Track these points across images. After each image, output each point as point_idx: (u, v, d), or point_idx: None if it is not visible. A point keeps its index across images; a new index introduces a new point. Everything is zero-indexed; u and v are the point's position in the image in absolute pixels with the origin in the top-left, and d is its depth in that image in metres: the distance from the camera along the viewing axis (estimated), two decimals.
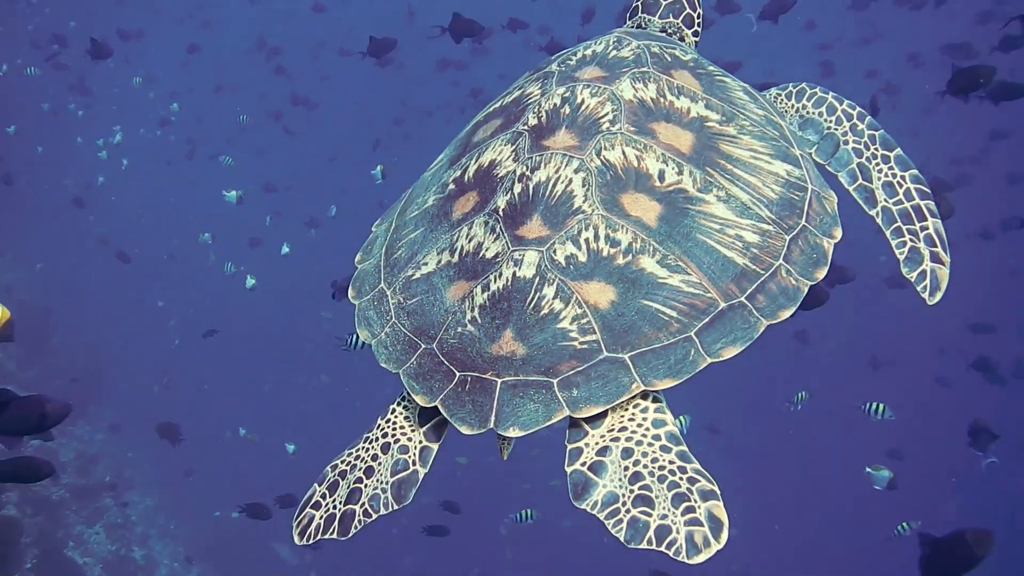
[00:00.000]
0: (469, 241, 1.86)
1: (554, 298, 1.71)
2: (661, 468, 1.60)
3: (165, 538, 13.39)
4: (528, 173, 1.86)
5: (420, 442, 1.85)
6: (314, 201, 21.24)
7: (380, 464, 1.84)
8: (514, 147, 1.96)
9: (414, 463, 1.82)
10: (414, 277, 1.93)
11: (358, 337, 5.81)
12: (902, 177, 2.13)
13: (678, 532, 1.48)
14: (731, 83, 2.18)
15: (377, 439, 1.89)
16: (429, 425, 1.86)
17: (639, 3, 2.52)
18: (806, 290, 1.81)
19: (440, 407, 1.73)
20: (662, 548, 1.48)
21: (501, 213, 1.84)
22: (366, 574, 14.80)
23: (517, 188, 1.85)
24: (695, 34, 2.51)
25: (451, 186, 2.05)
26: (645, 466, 1.60)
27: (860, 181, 2.16)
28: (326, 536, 1.79)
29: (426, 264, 1.93)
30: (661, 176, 1.84)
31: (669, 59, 2.12)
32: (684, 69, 2.11)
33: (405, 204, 2.25)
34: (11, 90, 19.63)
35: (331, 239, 19.24)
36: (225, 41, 26.26)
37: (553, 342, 1.68)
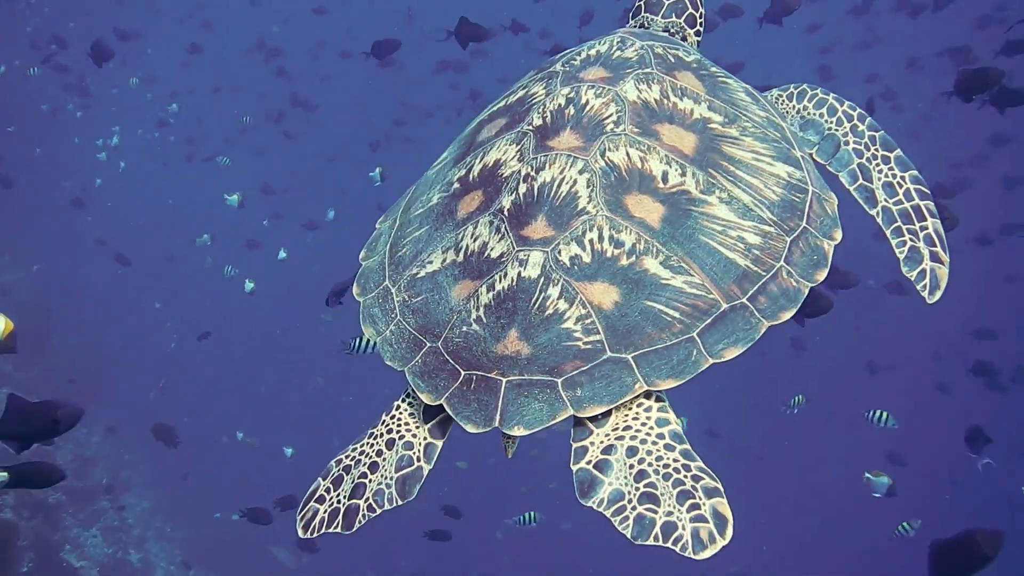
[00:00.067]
0: (474, 240, 1.88)
1: (559, 298, 1.73)
2: (666, 466, 1.62)
3: (162, 541, 13.34)
4: (533, 173, 1.88)
5: (425, 439, 1.86)
6: (312, 203, 21.24)
7: (384, 460, 1.85)
8: (519, 147, 1.97)
9: (418, 459, 1.84)
10: (419, 275, 1.95)
11: (362, 340, 5.77)
12: (902, 178, 2.15)
13: (684, 528, 1.51)
14: (733, 84, 2.20)
15: (381, 435, 1.91)
16: (434, 422, 1.88)
17: (642, 2, 2.53)
18: (807, 291, 1.83)
19: (445, 405, 1.75)
20: (668, 544, 1.50)
21: (506, 213, 1.85)
22: None
23: (522, 188, 1.87)
24: (697, 34, 2.52)
25: (456, 185, 2.06)
26: (650, 464, 1.63)
27: (860, 181, 2.18)
28: (330, 530, 1.80)
29: (431, 262, 1.94)
30: (664, 178, 1.86)
31: (672, 60, 2.13)
32: (687, 70, 2.13)
33: (409, 201, 2.25)
34: (10, 91, 19.62)
35: (330, 241, 19.24)
36: (225, 42, 26.27)
37: (557, 342, 1.71)
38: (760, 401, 14.91)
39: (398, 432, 1.89)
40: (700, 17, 2.51)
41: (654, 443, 1.66)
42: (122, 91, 24.72)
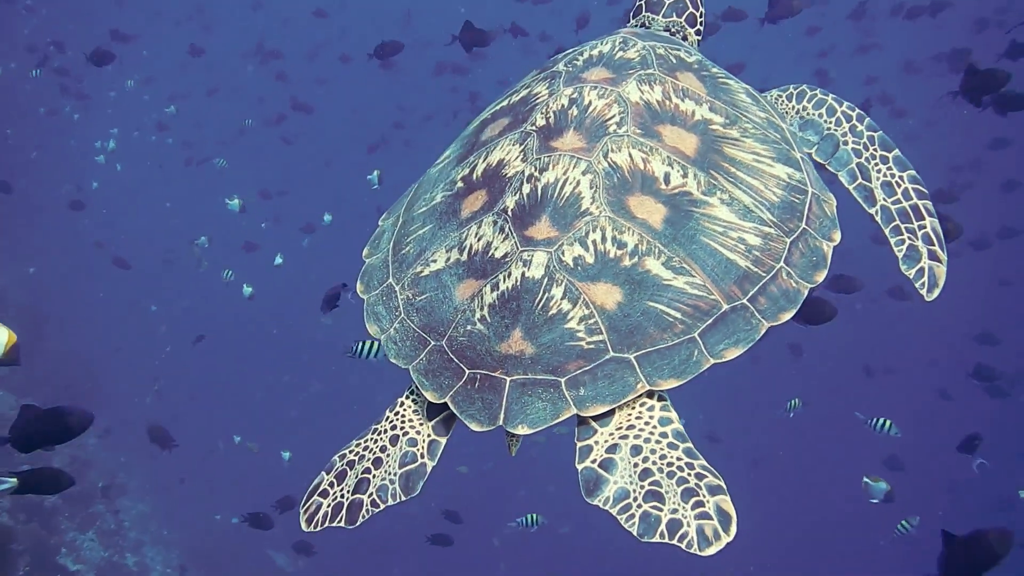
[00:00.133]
0: (478, 240, 1.89)
1: (562, 299, 1.74)
2: (669, 464, 1.64)
3: (158, 544, 13.28)
4: (537, 174, 1.89)
5: (428, 436, 1.88)
6: (310, 206, 21.21)
7: (388, 456, 1.86)
8: (522, 147, 1.98)
9: (422, 456, 1.85)
10: (423, 274, 1.96)
11: (365, 345, 5.75)
12: (900, 177, 2.18)
13: (689, 526, 1.53)
14: (734, 85, 2.21)
15: (386, 431, 1.92)
16: (437, 419, 1.89)
17: (643, 2, 2.55)
18: (806, 292, 1.84)
19: (450, 404, 1.77)
20: (674, 542, 1.52)
21: (510, 213, 1.87)
22: None
23: (526, 189, 1.88)
24: (698, 33, 2.54)
25: (459, 184, 2.07)
26: (654, 463, 1.64)
27: (859, 180, 2.21)
28: (333, 524, 1.81)
29: (435, 261, 1.95)
30: (666, 179, 1.87)
31: (674, 61, 2.15)
32: (689, 71, 2.14)
33: (412, 199, 2.26)
34: (6, 94, 19.58)
35: (329, 243, 19.22)
36: (223, 45, 26.23)
37: (561, 342, 1.72)
38: (759, 405, 14.91)
39: (402, 428, 1.90)
40: (700, 16, 2.53)
41: (657, 442, 1.68)
42: (119, 94, 24.70)
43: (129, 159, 23.63)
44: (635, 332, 1.71)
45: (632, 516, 1.56)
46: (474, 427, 1.72)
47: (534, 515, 7.95)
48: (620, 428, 1.71)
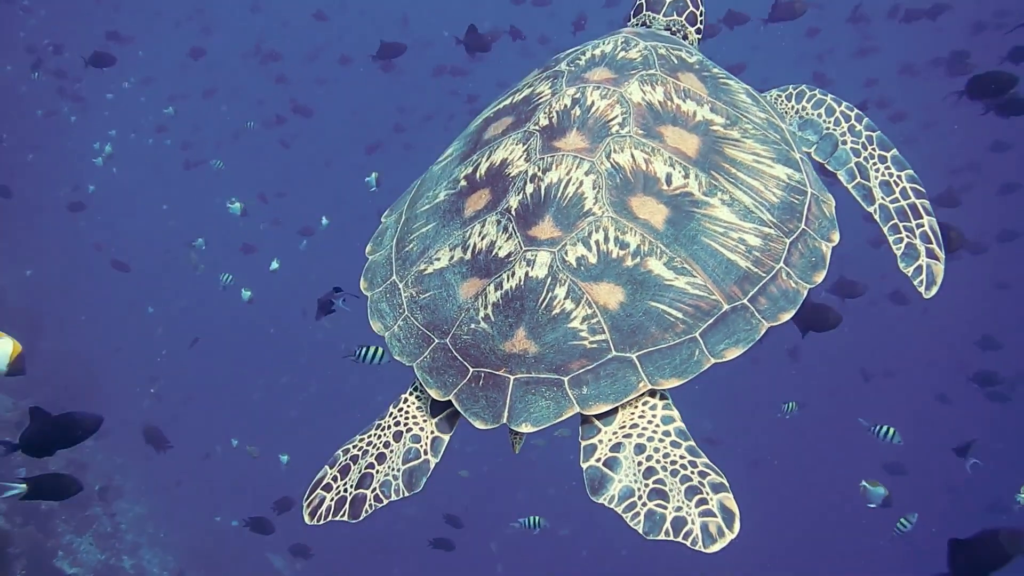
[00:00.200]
0: (482, 239, 1.90)
1: (565, 298, 1.76)
2: (673, 463, 1.66)
3: (155, 547, 13.23)
4: (540, 174, 1.90)
5: (432, 432, 1.89)
6: (309, 207, 21.18)
7: (392, 451, 1.88)
8: (526, 147, 1.99)
9: (425, 452, 1.86)
10: (427, 272, 1.97)
11: (368, 350, 5.74)
12: (898, 176, 2.20)
13: (693, 523, 1.55)
14: (735, 86, 2.22)
15: (389, 427, 1.93)
16: (441, 417, 1.90)
17: (643, 1, 2.57)
18: (806, 293, 1.86)
19: (454, 402, 1.78)
20: (679, 539, 1.54)
21: (513, 213, 1.88)
22: None
23: (529, 188, 1.89)
24: (698, 31, 2.56)
25: (462, 182, 2.08)
26: (658, 461, 1.66)
27: (858, 179, 2.23)
28: (336, 518, 1.82)
29: (438, 259, 1.96)
30: (668, 180, 1.88)
31: (676, 61, 2.16)
32: (690, 72, 2.16)
33: (415, 197, 2.27)
34: (4, 95, 19.55)
35: (328, 245, 19.20)
36: (223, 46, 26.21)
37: (564, 341, 1.73)
38: (759, 405, 14.90)
39: (405, 425, 1.92)
40: (701, 15, 2.55)
41: (660, 440, 1.69)
42: (117, 95, 24.69)
43: (127, 161, 23.59)
44: (637, 332, 1.73)
45: (637, 514, 1.58)
46: (478, 425, 1.73)
47: (536, 517, 7.93)
48: (624, 427, 1.72)
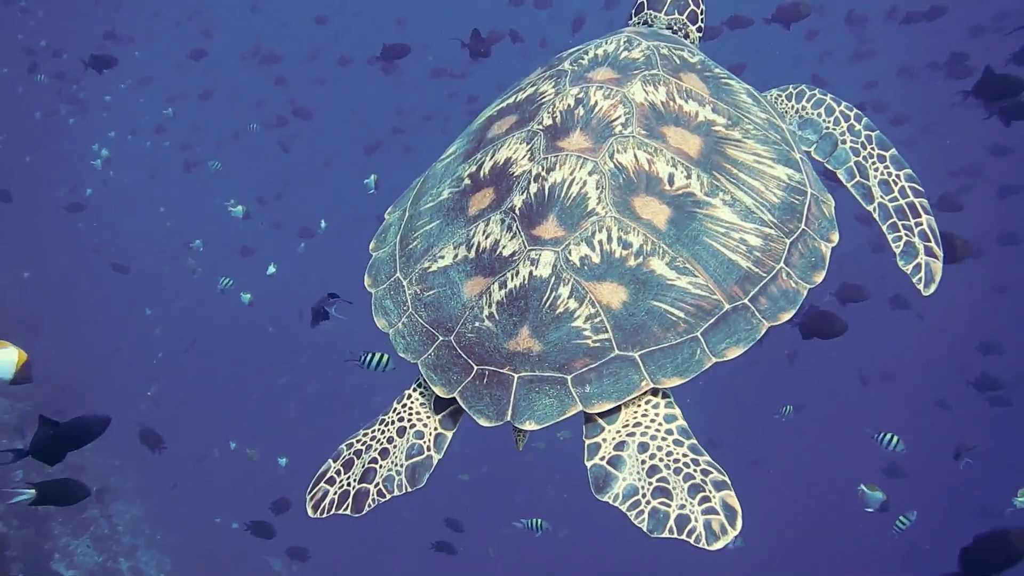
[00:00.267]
0: (486, 238, 1.92)
1: (569, 297, 1.77)
2: (676, 461, 1.68)
3: (152, 549, 13.18)
4: (544, 173, 1.91)
5: (435, 429, 1.91)
6: (309, 207, 21.15)
7: (395, 447, 1.89)
8: (529, 146, 2.01)
9: (428, 449, 1.88)
10: (431, 269, 1.98)
11: (373, 357, 5.73)
12: (897, 176, 2.22)
13: (696, 521, 1.57)
14: (736, 86, 2.24)
15: (393, 422, 1.95)
16: (444, 413, 1.92)
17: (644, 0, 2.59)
18: (806, 293, 1.88)
19: (459, 399, 1.80)
20: (683, 536, 1.56)
21: (517, 212, 1.89)
22: None
23: (533, 188, 1.90)
24: (699, 30, 2.58)
25: (466, 181, 2.09)
26: (661, 459, 1.68)
27: (857, 178, 2.25)
28: (339, 512, 1.83)
29: (442, 257, 1.98)
30: (671, 180, 1.90)
31: (678, 61, 2.18)
32: (692, 72, 2.17)
33: (418, 194, 2.28)
34: (2, 97, 19.52)
35: (326, 246, 19.18)
36: (222, 48, 26.21)
37: (567, 340, 1.75)
38: (760, 406, 14.89)
39: (409, 421, 1.93)
40: (702, 13, 2.57)
41: (663, 439, 1.71)
42: (115, 97, 24.65)
43: (125, 163, 23.56)
44: (640, 331, 1.74)
45: (642, 512, 1.60)
46: (483, 422, 1.75)
47: (538, 520, 7.94)
48: (627, 425, 1.74)
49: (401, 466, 1.85)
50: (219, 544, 13.63)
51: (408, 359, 1.92)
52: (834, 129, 2.29)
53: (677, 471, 1.65)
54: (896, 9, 14.12)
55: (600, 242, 1.81)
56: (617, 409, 1.76)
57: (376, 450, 1.90)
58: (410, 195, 2.33)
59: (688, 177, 1.90)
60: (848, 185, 2.25)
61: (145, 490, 14.21)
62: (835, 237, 1.99)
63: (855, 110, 2.31)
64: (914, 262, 2.12)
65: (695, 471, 1.65)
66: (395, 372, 5.50)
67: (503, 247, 1.87)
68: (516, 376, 1.74)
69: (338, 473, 1.90)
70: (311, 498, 1.87)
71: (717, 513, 1.57)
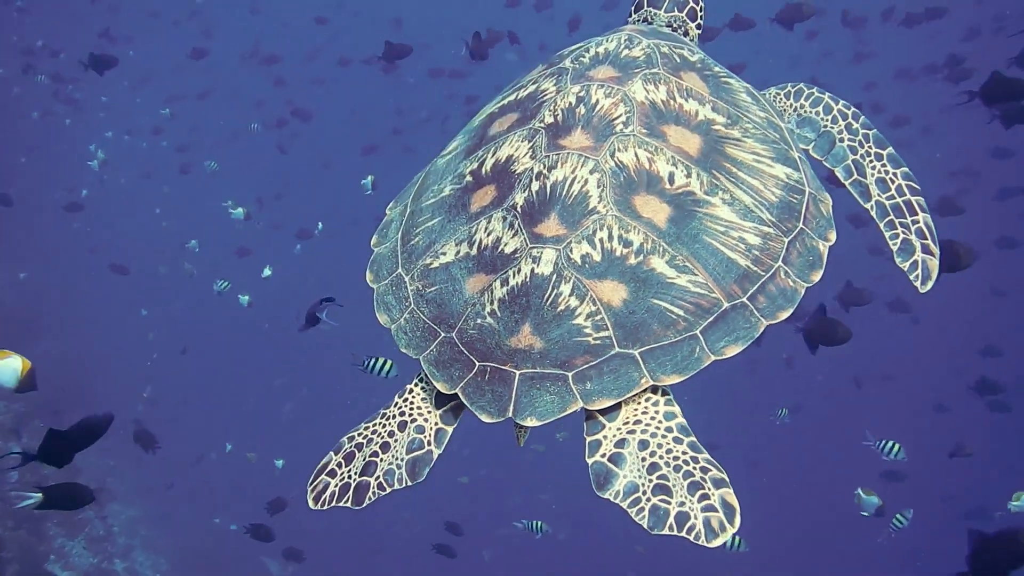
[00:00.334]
0: (488, 235, 1.93)
1: (570, 295, 1.78)
2: (676, 458, 1.69)
3: (148, 550, 13.13)
4: (545, 171, 1.93)
5: (436, 424, 1.92)
6: (308, 207, 21.12)
7: (396, 441, 1.91)
8: (531, 144, 2.02)
9: (429, 443, 1.89)
10: (432, 266, 2.00)
11: (377, 362, 5.74)
12: (894, 174, 2.24)
13: (696, 518, 1.58)
14: (735, 85, 2.26)
15: (394, 416, 1.96)
16: (445, 409, 1.94)
17: None
18: (803, 291, 1.89)
19: (461, 395, 1.81)
20: (683, 533, 1.57)
21: (519, 210, 1.90)
22: None
23: (535, 186, 1.92)
24: (699, 27, 2.60)
25: (468, 178, 2.10)
26: (661, 457, 1.69)
27: (855, 176, 2.27)
28: (340, 504, 1.85)
29: (444, 254, 1.99)
30: (671, 179, 1.91)
31: (678, 60, 2.20)
32: (692, 71, 2.19)
33: (419, 190, 2.29)
34: None
35: (323, 247, 19.14)
36: (221, 48, 26.18)
37: (569, 337, 1.76)
38: (759, 406, 14.91)
39: (410, 415, 1.95)
40: (701, 11, 2.59)
41: (663, 436, 1.73)
42: (112, 98, 24.61)
43: (123, 163, 23.51)
44: (640, 329, 1.76)
45: (642, 510, 1.61)
46: (484, 418, 1.76)
47: (539, 522, 7.95)
48: (627, 423, 1.75)
49: (402, 460, 1.86)
50: (215, 545, 13.59)
51: (410, 355, 1.93)
52: (832, 127, 2.31)
53: (677, 468, 1.67)
54: (893, 10, 14.13)
55: (601, 240, 1.82)
56: (618, 406, 1.77)
57: (377, 444, 1.91)
58: (411, 191, 2.34)
59: (688, 176, 1.91)
60: (846, 183, 2.27)
61: (141, 491, 14.16)
62: (832, 236, 2.01)
63: (853, 108, 2.33)
64: (911, 259, 2.14)
65: (694, 469, 1.67)
66: (396, 377, 5.50)
67: (505, 244, 1.88)
68: (518, 373, 1.75)
69: (339, 465, 1.91)
70: (312, 490, 1.89)
71: (716, 511, 1.58)
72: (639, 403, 1.78)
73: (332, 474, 1.90)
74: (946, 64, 11.88)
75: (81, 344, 16.76)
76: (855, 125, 2.30)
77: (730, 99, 2.16)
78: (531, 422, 1.72)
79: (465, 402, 1.80)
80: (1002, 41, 8.99)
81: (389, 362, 5.56)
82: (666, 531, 1.58)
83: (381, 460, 1.88)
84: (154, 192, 25.58)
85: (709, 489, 1.62)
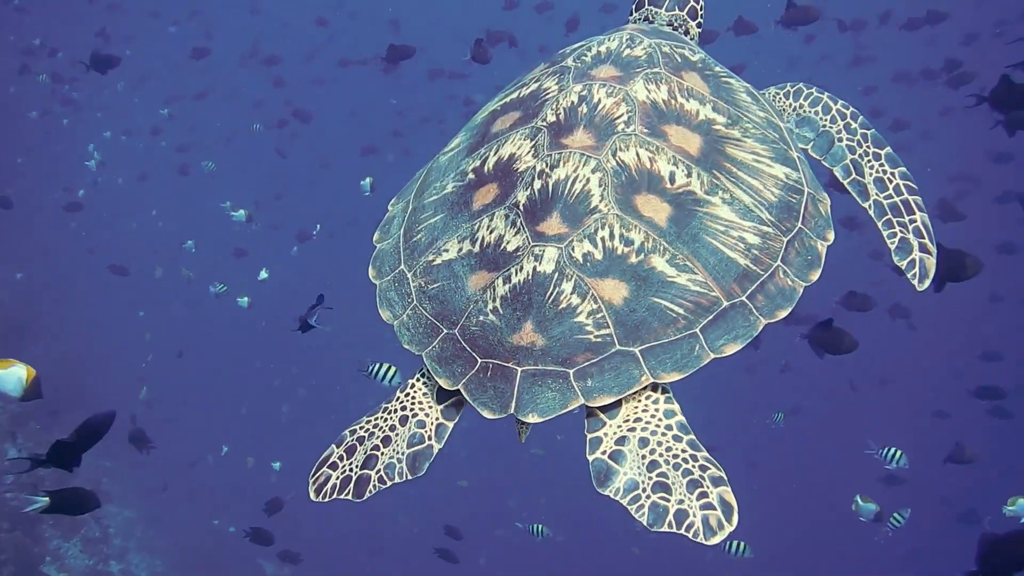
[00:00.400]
0: (490, 233, 1.94)
1: (572, 293, 1.80)
2: (675, 456, 1.71)
3: (144, 552, 13.08)
4: (547, 170, 1.94)
5: (437, 419, 1.94)
6: (307, 207, 21.09)
7: (397, 435, 1.93)
8: (533, 143, 2.03)
9: (430, 438, 1.91)
10: (435, 263, 2.01)
11: (381, 368, 5.75)
12: (892, 174, 2.26)
13: (695, 516, 1.60)
14: (736, 84, 2.28)
15: (396, 410, 1.98)
16: (446, 404, 1.95)
17: None
18: (801, 291, 1.91)
19: (463, 391, 1.82)
20: (681, 531, 1.59)
21: (521, 208, 1.92)
22: None
23: (537, 184, 1.93)
24: (699, 25, 2.62)
25: (470, 175, 2.11)
26: (661, 455, 1.71)
27: (853, 176, 2.29)
28: (341, 496, 1.87)
29: (447, 251, 2.00)
30: (672, 178, 1.93)
31: (679, 60, 2.21)
32: (693, 70, 2.21)
33: (421, 186, 2.30)
34: None
35: (321, 248, 19.12)
36: (219, 48, 26.14)
37: (570, 335, 1.78)
38: (759, 406, 14.91)
39: (411, 410, 1.96)
40: (701, 9, 2.60)
41: (663, 434, 1.74)
42: (110, 98, 24.56)
43: (121, 164, 23.44)
44: (640, 327, 1.77)
45: (642, 507, 1.63)
46: (486, 414, 1.77)
47: (540, 526, 7.99)
48: (627, 420, 1.77)
49: (403, 454, 1.88)
50: (211, 547, 13.55)
51: (413, 351, 1.94)
52: (831, 127, 2.33)
53: (676, 467, 1.68)
54: (889, 14, 14.12)
55: (602, 239, 1.83)
56: (618, 404, 1.79)
57: (378, 437, 1.93)
58: (413, 187, 2.35)
59: (688, 175, 1.93)
60: (845, 182, 2.28)
61: (137, 493, 14.11)
62: (831, 235, 2.02)
63: (851, 108, 2.35)
64: (908, 258, 2.15)
65: (693, 467, 1.68)
66: (399, 385, 5.47)
67: (507, 242, 1.89)
68: (519, 370, 1.77)
69: (341, 458, 1.93)
70: (314, 482, 1.91)
71: (714, 509, 1.60)
72: (639, 401, 1.80)
73: (334, 467, 1.92)
74: (945, 68, 11.88)
75: (79, 345, 16.73)
76: (853, 125, 2.32)
77: (730, 99, 2.17)
78: (533, 418, 1.73)
79: (467, 398, 1.81)
80: (1001, 45, 9.00)
81: (393, 369, 5.58)
82: (665, 528, 1.60)
83: (382, 454, 1.89)
84: (152, 193, 25.54)
85: (708, 487, 1.64)
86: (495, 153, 2.10)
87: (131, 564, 12.52)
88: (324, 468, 1.93)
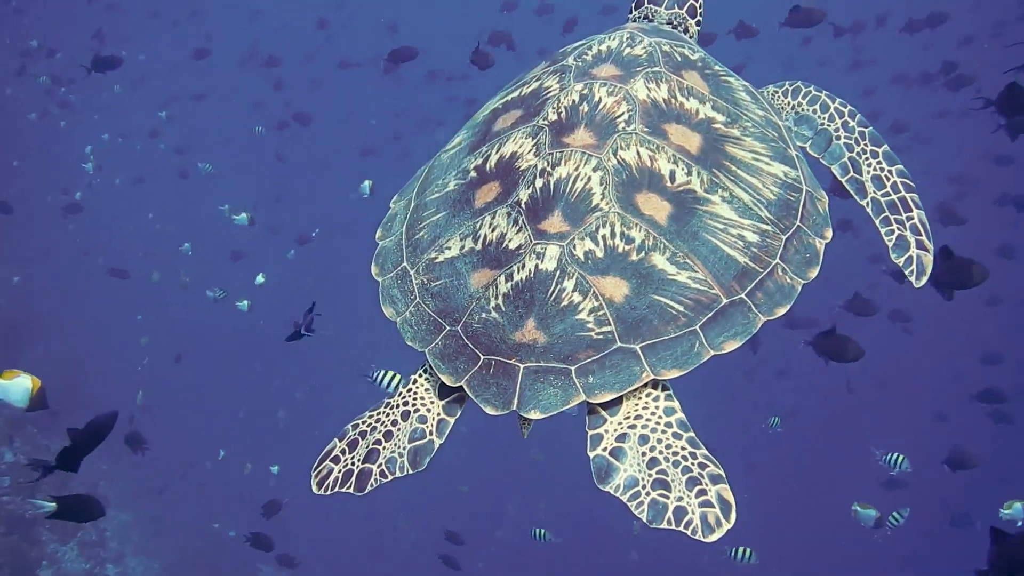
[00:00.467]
0: (492, 230, 1.95)
1: (573, 291, 1.81)
2: (675, 454, 1.72)
3: (140, 555, 13.03)
4: (549, 169, 1.95)
5: (438, 415, 1.96)
6: (303, 214, 21.06)
7: (399, 430, 1.95)
8: (535, 141, 2.04)
9: (431, 433, 1.93)
10: (437, 260, 2.02)
11: (385, 376, 5.75)
12: (889, 171, 2.27)
13: (693, 513, 1.61)
14: (735, 83, 2.29)
15: (398, 405, 2.00)
16: (448, 400, 1.97)
17: None
18: (800, 288, 1.93)
19: (465, 388, 1.84)
20: (680, 528, 1.60)
21: (523, 206, 1.93)
22: None
23: (539, 183, 1.94)
24: (698, 23, 2.64)
25: (472, 173, 2.13)
26: (660, 452, 1.73)
27: (851, 174, 2.30)
28: (342, 490, 1.88)
29: (449, 248, 2.01)
30: (672, 177, 1.94)
31: (679, 59, 2.23)
32: (693, 69, 2.22)
33: (423, 184, 2.31)
34: None
35: (318, 252, 19.11)
36: (218, 49, 26.12)
37: (572, 332, 1.79)
38: (759, 406, 14.90)
39: (413, 405, 1.98)
40: (700, 7, 2.62)
41: (663, 431, 1.76)
42: (107, 100, 24.53)
43: (118, 165, 23.43)
44: (641, 324, 1.79)
45: (642, 503, 1.64)
46: (488, 411, 1.79)
47: (542, 530, 8.03)
48: (628, 417, 1.78)
49: (404, 449, 1.90)
50: (208, 550, 13.51)
51: (415, 347, 1.95)
52: (829, 125, 2.35)
53: (676, 464, 1.70)
54: (887, 16, 14.13)
55: (604, 237, 1.84)
56: (619, 401, 1.80)
57: (380, 432, 1.95)
58: (415, 184, 2.36)
59: (688, 174, 1.94)
60: (843, 180, 2.30)
61: (134, 496, 14.06)
62: (829, 233, 2.04)
63: (849, 107, 2.36)
64: (906, 255, 2.17)
65: (692, 464, 1.70)
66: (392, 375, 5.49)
67: (509, 240, 1.90)
68: (522, 366, 1.78)
69: (343, 452, 1.95)
70: (316, 475, 1.92)
71: (713, 506, 1.61)
72: (640, 398, 1.81)
73: (336, 460, 1.94)
74: (942, 70, 11.89)
75: (77, 347, 16.68)
76: (851, 123, 2.33)
77: (730, 97, 2.19)
78: (535, 415, 1.75)
79: (470, 395, 1.82)
80: (1000, 47, 9.00)
81: (397, 377, 5.59)
82: (664, 525, 1.61)
83: (384, 448, 1.91)
84: (150, 195, 25.51)
85: (706, 485, 1.65)
86: (497, 151, 2.11)
87: (128, 568, 12.47)
88: (326, 461, 1.94)
